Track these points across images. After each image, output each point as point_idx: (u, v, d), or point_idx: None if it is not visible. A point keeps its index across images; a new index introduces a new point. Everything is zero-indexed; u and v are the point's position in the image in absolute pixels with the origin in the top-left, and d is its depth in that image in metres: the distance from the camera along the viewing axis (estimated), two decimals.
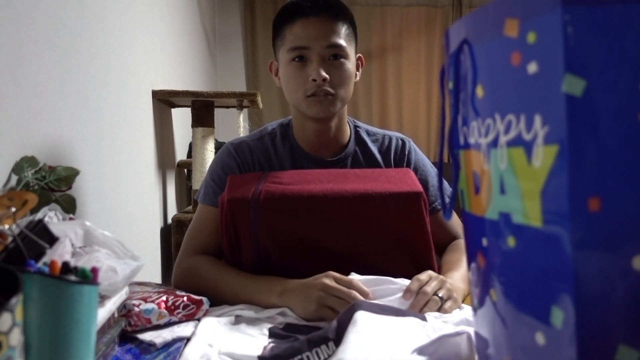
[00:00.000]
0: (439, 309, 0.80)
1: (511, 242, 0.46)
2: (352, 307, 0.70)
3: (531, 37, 0.42)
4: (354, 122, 1.19)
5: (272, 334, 0.75)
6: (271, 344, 0.71)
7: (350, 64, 1.07)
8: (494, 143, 0.47)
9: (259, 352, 0.67)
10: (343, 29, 1.05)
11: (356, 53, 1.12)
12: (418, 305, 0.79)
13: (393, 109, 4.44)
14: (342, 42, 1.04)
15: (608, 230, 0.39)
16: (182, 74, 2.57)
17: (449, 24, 4.24)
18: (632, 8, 0.38)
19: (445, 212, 0.57)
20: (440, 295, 0.81)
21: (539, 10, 0.40)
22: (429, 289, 0.81)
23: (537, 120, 0.41)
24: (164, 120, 2.18)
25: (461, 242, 1.08)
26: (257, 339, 0.74)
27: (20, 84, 0.94)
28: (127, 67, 1.63)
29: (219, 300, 0.88)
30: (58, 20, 1.11)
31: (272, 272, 0.92)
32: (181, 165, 2.42)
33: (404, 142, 1.18)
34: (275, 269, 0.92)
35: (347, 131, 1.16)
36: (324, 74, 1.02)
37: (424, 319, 0.71)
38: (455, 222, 1.13)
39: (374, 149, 1.15)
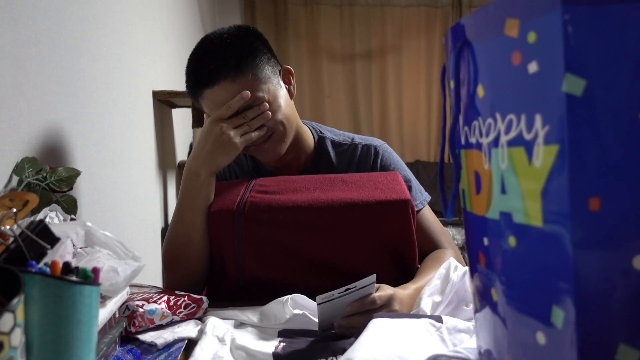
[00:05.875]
0: None
1: (512, 241, 0.46)
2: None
3: (531, 37, 0.42)
4: (320, 131, 1.14)
5: (282, 333, 0.76)
6: (282, 343, 0.71)
7: (277, 100, 0.99)
8: (495, 143, 0.47)
9: (271, 349, 0.69)
10: (251, 77, 0.96)
11: (281, 66, 1.04)
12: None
13: (393, 109, 4.44)
14: (256, 94, 0.95)
15: (608, 230, 0.39)
16: (183, 75, 2.56)
17: (449, 24, 4.24)
18: (632, 7, 0.38)
19: (446, 211, 0.57)
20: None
21: (540, 10, 0.40)
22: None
23: (538, 120, 0.41)
24: (165, 121, 2.18)
25: (440, 253, 0.98)
26: (268, 336, 0.75)
27: (21, 84, 0.94)
28: (128, 67, 1.63)
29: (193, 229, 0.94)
30: (58, 20, 1.11)
31: (256, 283, 0.91)
32: (182, 165, 2.42)
33: (369, 149, 1.11)
34: (260, 280, 0.91)
35: (309, 144, 1.12)
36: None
37: (440, 320, 0.69)
38: (439, 230, 1.06)
39: (335, 162, 1.11)
